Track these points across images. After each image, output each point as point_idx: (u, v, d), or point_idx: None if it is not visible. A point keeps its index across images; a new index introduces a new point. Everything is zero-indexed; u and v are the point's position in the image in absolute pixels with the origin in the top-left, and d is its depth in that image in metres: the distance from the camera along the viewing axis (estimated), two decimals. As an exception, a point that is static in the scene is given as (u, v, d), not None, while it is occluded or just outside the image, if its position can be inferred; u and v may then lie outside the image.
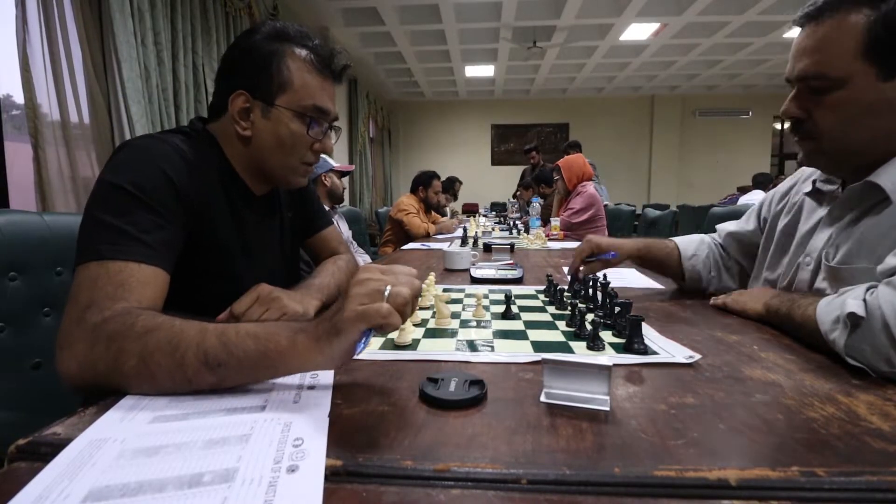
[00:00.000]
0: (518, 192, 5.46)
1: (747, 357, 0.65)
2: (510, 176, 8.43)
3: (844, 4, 0.70)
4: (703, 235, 1.14)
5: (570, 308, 0.81)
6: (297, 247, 1.10)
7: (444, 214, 4.39)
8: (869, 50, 0.68)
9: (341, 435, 0.43)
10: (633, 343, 0.66)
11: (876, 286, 0.61)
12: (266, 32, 0.81)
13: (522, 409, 0.49)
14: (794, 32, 0.79)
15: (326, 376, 0.57)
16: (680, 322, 0.84)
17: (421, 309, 0.90)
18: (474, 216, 4.81)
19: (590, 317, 0.81)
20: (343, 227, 2.73)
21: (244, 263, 0.86)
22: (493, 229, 3.19)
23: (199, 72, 3.26)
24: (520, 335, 0.75)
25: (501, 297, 0.97)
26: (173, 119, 3.01)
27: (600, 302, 0.89)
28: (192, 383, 0.51)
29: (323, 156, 2.90)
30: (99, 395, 0.52)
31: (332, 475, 0.38)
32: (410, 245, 2.45)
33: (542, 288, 1.09)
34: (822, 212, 0.84)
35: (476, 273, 1.29)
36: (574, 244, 2.45)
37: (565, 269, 1.42)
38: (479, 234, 2.53)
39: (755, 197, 4.01)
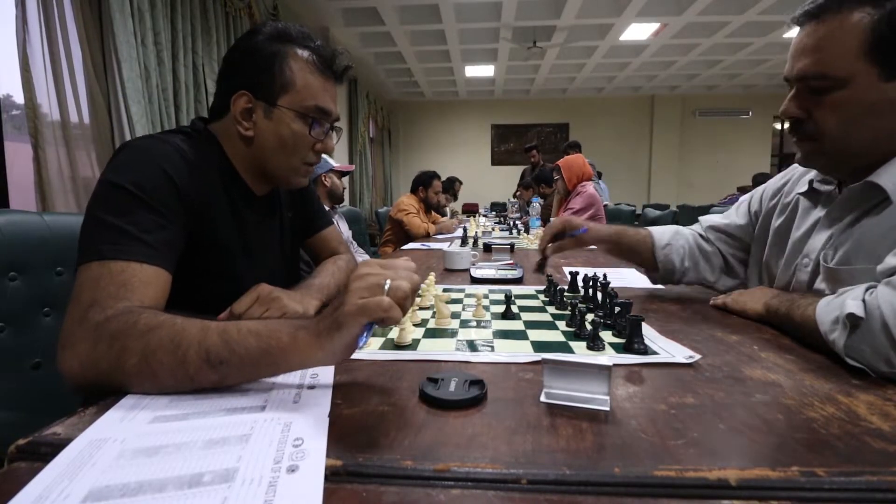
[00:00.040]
0: (518, 192, 5.47)
1: (747, 357, 0.65)
2: (510, 176, 8.43)
3: (847, 3, 0.69)
4: (680, 227, 1.11)
5: (570, 308, 0.81)
6: (297, 247, 1.10)
7: (444, 214, 4.39)
8: (872, 49, 0.67)
9: (341, 435, 0.43)
10: (633, 343, 0.66)
11: (875, 286, 0.60)
12: (268, 33, 0.81)
13: (522, 409, 0.49)
14: (794, 32, 0.78)
15: (326, 376, 0.57)
16: (680, 322, 0.84)
17: (421, 309, 0.90)
18: (474, 216, 4.81)
19: (590, 317, 0.81)
20: (343, 227, 2.73)
21: (245, 263, 0.86)
22: (493, 229, 3.19)
23: (199, 72, 3.26)
24: (520, 335, 0.75)
25: (501, 297, 0.97)
26: (173, 119, 3.02)
27: (600, 302, 0.89)
28: (194, 381, 0.51)
29: (323, 156, 2.90)
30: (99, 394, 0.52)
31: (332, 475, 0.38)
32: (410, 245, 2.45)
33: (542, 288, 1.09)
34: (818, 213, 0.84)
35: (476, 273, 1.29)
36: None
37: (566, 270, 1.42)
38: (479, 234, 2.53)
39: (755, 197, 4.00)
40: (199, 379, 0.51)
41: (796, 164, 0.91)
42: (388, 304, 0.48)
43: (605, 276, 0.97)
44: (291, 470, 0.37)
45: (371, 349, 0.68)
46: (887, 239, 0.68)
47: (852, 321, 0.58)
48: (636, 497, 0.36)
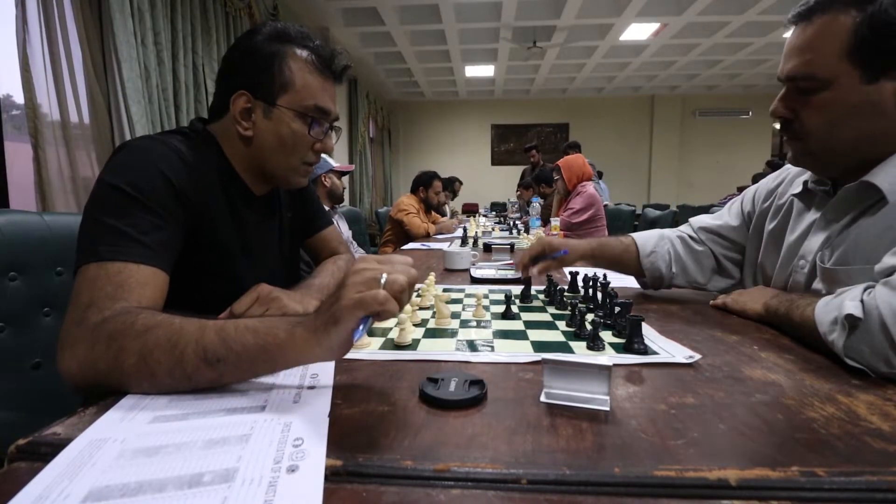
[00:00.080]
0: (518, 192, 5.47)
1: (747, 357, 0.65)
2: (510, 176, 8.43)
3: (835, 5, 0.69)
4: (663, 231, 1.09)
5: (570, 308, 0.81)
6: (296, 247, 1.10)
7: (444, 214, 4.39)
8: (854, 51, 0.68)
9: (341, 435, 0.43)
10: (633, 343, 0.66)
11: (874, 286, 0.60)
12: (267, 33, 0.81)
13: (522, 409, 0.49)
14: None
15: (326, 376, 0.57)
16: (680, 322, 0.84)
17: (421, 309, 0.90)
18: (474, 216, 4.81)
19: (590, 317, 0.81)
20: (343, 227, 2.73)
21: (244, 263, 0.86)
22: (493, 229, 3.19)
23: (199, 72, 3.26)
24: (520, 335, 0.75)
25: (501, 297, 0.97)
26: (173, 119, 3.02)
27: (600, 302, 0.89)
28: (192, 380, 0.51)
29: (323, 156, 2.90)
30: (99, 395, 0.52)
31: (332, 475, 0.38)
32: (410, 245, 2.45)
33: (541, 288, 1.09)
34: (813, 214, 0.84)
35: (476, 273, 1.29)
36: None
37: (566, 270, 1.42)
38: (479, 234, 2.53)
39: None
40: (196, 377, 0.51)
41: (789, 165, 0.91)
42: (384, 298, 0.48)
43: (605, 276, 0.97)
44: (291, 470, 0.37)
45: (371, 349, 0.68)
46: (884, 238, 0.68)
47: (851, 322, 0.58)
48: (636, 497, 0.36)
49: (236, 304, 0.74)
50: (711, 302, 0.96)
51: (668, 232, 1.09)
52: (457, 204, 7.57)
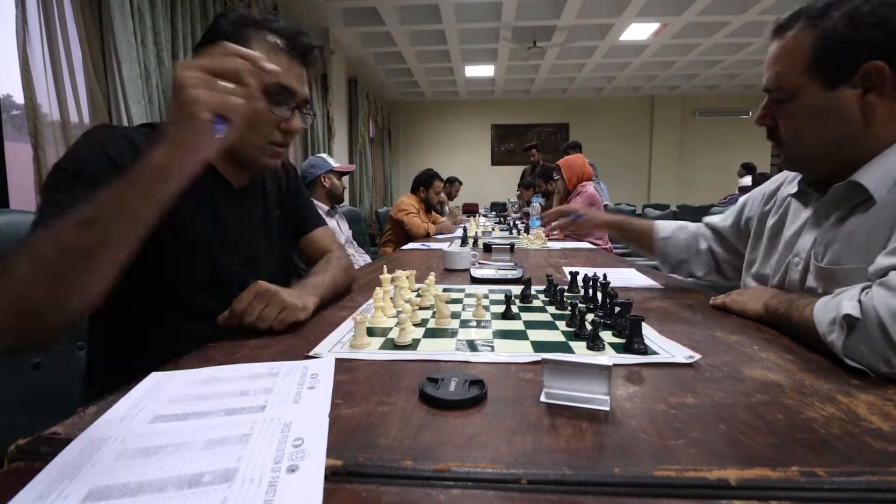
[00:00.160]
0: (519, 192, 5.47)
1: (747, 357, 0.65)
2: (510, 176, 8.44)
3: (798, 22, 0.76)
4: (689, 223, 1.19)
5: (570, 308, 0.81)
6: (288, 245, 1.11)
7: (444, 214, 4.39)
8: (814, 63, 0.74)
9: (341, 435, 0.43)
10: (633, 343, 0.66)
11: (871, 286, 0.61)
12: (231, 18, 0.84)
13: (522, 409, 0.49)
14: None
15: (326, 376, 0.57)
16: (680, 322, 0.84)
17: (421, 309, 0.90)
18: (474, 216, 4.81)
19: (590, 317, 0.81)
20: (343, 227, 2.73)
21: (223, 255, 0.88)
22: (493, 229, 3.19)
23: (199, 72, 3.26)
24: (520, 335, 0.75)
25: (501, 297, 0.97)
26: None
27: (600, 302, 0.89)
28: (75, 251, 0.52)
29: (323, 156, 2.91)
30: (99, 394, 0.52)
31: (332, 475, 0.38)
32: (410, 245, 2.45)
33: (542, 288, 1.09)
34: (808, 212, 0.86)
35: (476, 273, 1.29)
36: (574, 244, 2.45)
37: (566, 269, 1.42)
38: (479, 234, 2.53)
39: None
40: (77, 246, 0.52)
41: None
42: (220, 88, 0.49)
43: (605, 276, 0.97)
44: (291, 470, 0.37)
45: (371, 349, 0.68)
46: (875, 237, 0.70)
47: (849, 322, 0.59)
48: (636, 497, 0.36)
49: (236, 301, 0.75)
50: (711, 302, 0.96)
51: (689, 224, 1.19)
52: (456, 204, 7.57)
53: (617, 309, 0.77)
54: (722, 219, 1.14)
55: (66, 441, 0.42)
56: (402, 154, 9.61)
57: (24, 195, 2.26)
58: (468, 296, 1.04)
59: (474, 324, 0.81)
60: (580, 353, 0.67)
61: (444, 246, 2.07)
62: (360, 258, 2.72)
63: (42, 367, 0.96)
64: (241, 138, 0.84)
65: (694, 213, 5.49)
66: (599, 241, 2.84)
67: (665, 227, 1.18)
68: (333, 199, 2.66)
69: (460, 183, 6.80)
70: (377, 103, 8.18)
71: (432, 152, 9.45)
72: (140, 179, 0.52)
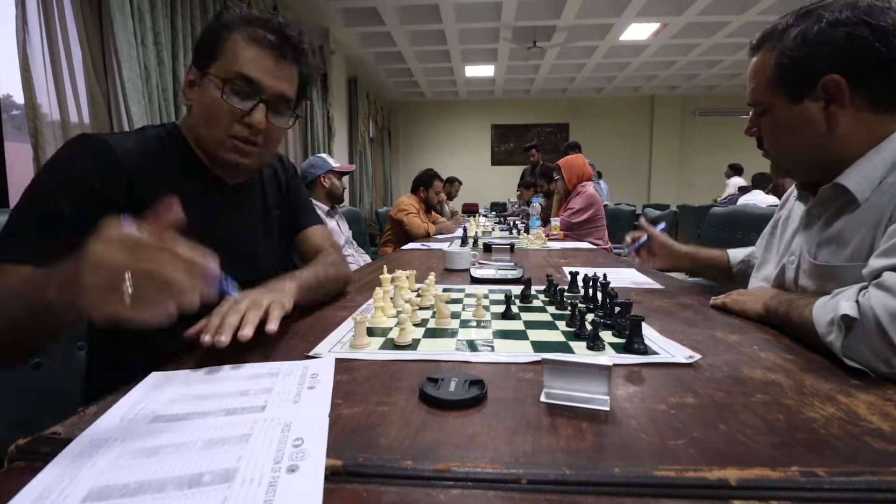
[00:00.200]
0: (519, 192, 5.47)
1: (747, 357, 0.65)
2: (510, 176, 8.43)
3: (765, 43, 0.82)
4: (749, 248, 1.21)
5: (570, 308, 0.81)
6: (287, 243, 1.11)
7: (444, 214, 4.39)
8: (777, 80, 0.80)
9: (341, 435, 0.43)
10: (633, 343, 0.66)
11: (868, 286, 0.61)
12: (218, 16, 0.85)
13: (522, 409, 0.49)
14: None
15: (326, 376, 0.57)
16: (680, 322, 0.84)
17: (421, 309, 0.90)
18: (474, 216, 4.81)
19: (590, 317, 0.81)
20: (343, 228, 2.73)
21: (219, 254, 0.86)
22: (493, 229, 3.19)
23: (199, 72, 3.26)
24: (520, 335, 0.75)
25: (501, 297, 0.97)
26: (173, 119, 3.02)
27: (600, 302, 0.89)
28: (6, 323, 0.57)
29: (323, 156, 2.91)
30: (99, 394, 0.52)
31: (332, 475, 0.38)
32: (410, 245, 2.45)
33: (542, 288, 1.09)
34: (803, 213, 0.90)
35: (476, 273, 1.29)
36: (574, 244, 2.45)
37: (566, 269, 1.42)
38: (479, 234, 2.53)
39: (755, 197, 4.01)
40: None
41: None
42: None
43: (605, 276, 0.97)
44: (291, 470, 0.37)
45: (371, 349, 0.68)
46: (861, 237, 0.73)
47: (847, 322, 0.59)
48: (636, 497, 0.36)
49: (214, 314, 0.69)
50: (711, 302, 0.96)
51: (752, 247, 1.23)
52: (456, 204, 7.57)
53: (617, 309, 0.77)
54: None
55: (66, 441, 0.42)
56: (402, 154, 9.61)
57: (24, 195, 2.25)
58: (468, 296, 1.04)
59: (474, 324, 0.81)
60: (580, 353, 0.67)
61: (444, 246, 2.07)
62: (360, 258, 2.72)
63: (42, 367, 0.96)
64: (203, 132, 0.85)
65: (694, 214, 5.49)
66: (599, 242, 2.85)
67: (737, 253, 1.20)
68: (333, 199, 2.66)
69: (460, 183, 6.80)
70: (377, 103, 8.18)
71: (432, 152, 9.45)
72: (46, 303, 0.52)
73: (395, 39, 5.85)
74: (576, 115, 9.22)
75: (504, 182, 8.95)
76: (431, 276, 1.04)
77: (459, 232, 2.77)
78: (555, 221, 2.80)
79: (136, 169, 0.78)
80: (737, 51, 6.38)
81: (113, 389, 0.54)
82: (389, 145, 9.30)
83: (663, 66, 7.19)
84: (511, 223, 3.52)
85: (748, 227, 2.13)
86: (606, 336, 0.73)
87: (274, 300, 0.71)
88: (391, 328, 0.78)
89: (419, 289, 1.04)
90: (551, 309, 0.92)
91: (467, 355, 0.65)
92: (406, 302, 0.94)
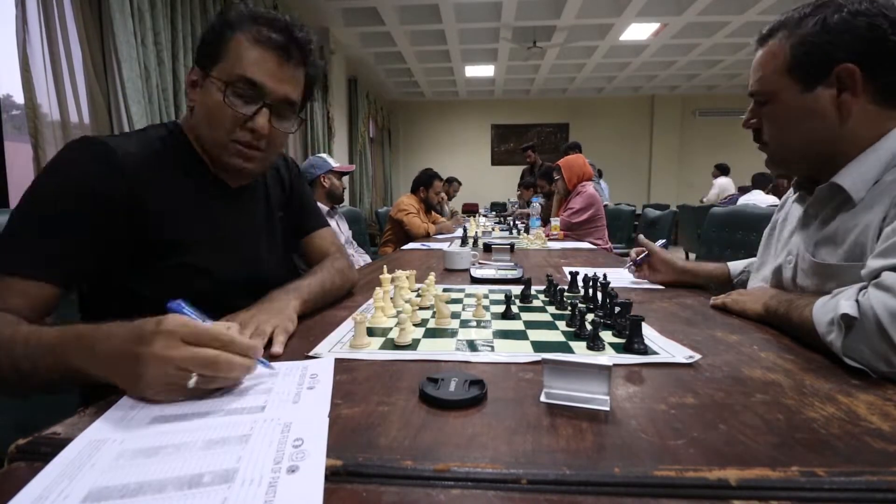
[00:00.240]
0: (519, 192, 5.47)
1: (747, 357, 0.65)
2: (510, 176, 8.44)
3: (781, 30, 0.81)
4: (749, 259, 1.21)
5: (570, 308, 0.81)
6: (291, 245, 1.10)
7: (444, 214, 4.39)
8: (791, 67, 0.80)
9: (341, 435, 0.43)
10: (633, 343, 0.66)
11: (867, 286, 0.62)
12: (222, 13, 0.83)
13: (522, 409, 0.49)
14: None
15: (326, 376, 0.57)
16: (680, 322, 0.84)
17: (421, 309, 0.90)
18: (474, 216, 4.81)
19: (590, 317, 0.81)
20: (343, 228, 2.73)
21: (221, 256, 0.86)
22: (493, 229, 3.19)
23: (199, 72, 3.26)
24: (520, 335, 0.75)
25: (501, 297, 0.97)
26: (173, 119, 3.02)
27: (600, 302, 0.89)
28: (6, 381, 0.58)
29: (322, 156, 2.91)
30: (99, 394, 0.52)
31: (332, 475, 0.38)
32: (410, 245, 2.45)
33: (542, 288, 1.09)
34: (801, 213, 0.90)
35: (476, 273, 1.29)
36: (574, 244, 2.45)
37: (566, 269, 1.42)
38: (479, 234, 2.53)
39: (755, 197, 4.01)
40: (10, 380, 0.58)
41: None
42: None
43: (605, 276, 0.97)
44: (291, 470, 0.37)
45: (371, 349, 0.68)
46: (857, 236, 0.73)
47: (847, 322, 0.59)
48: (636, 497, 0.36)
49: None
50: (711, 302, 0.96)
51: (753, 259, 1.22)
52: (456, 204, 7.57)
53: (617, 309, 0.77)
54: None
55: (66, 441, 0.42)
56: (402, 154, 9.61)
57: (24, 195, 2.25)
58: (468, 296, 1.04)
59: (474, 324, 0.81)
60: (580, 353, 0.67)
61: (444, 246, 2.07)
62: (360, 258, 2.72)
63: (42, 367, 0.96)
64: (206, 135, 0.83)
65: (694, 214, 5.49)
66: (599, 242, 2.85)
67: (737, 265, 1.19)
68: (333, 199, 2.66)
69: (459, 183, 6.81)
70: (377, 103, 8.18)
71: (432, 152, 9.45)
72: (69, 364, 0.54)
73: (395, 39, 5.85)
74: (576, 115, 9.22)
75: (504, 182, 8.95)
76: (431, 276, 1.04)
77: (459, 232, 2.77)
78: (555, 221, 2.80)
79: (138, 171, 0.77)
80: (737, 51, 6.38)
81: (113, 389, 0.53)
82: (389, 145, 9.30)
83: (663, 66, 7.19)
84: (511, 223, 3.52)
85: (748, 227, 2.13)
86: (606, 336, 0.73)
87: (278, 326, 0.72)
88: (391, 328, 0.78)
89: (419, 289, 1.04)
90: (551, 309, 0.92)
91: (467, 355, 0.65)
92: (406, 302, 0.94)
